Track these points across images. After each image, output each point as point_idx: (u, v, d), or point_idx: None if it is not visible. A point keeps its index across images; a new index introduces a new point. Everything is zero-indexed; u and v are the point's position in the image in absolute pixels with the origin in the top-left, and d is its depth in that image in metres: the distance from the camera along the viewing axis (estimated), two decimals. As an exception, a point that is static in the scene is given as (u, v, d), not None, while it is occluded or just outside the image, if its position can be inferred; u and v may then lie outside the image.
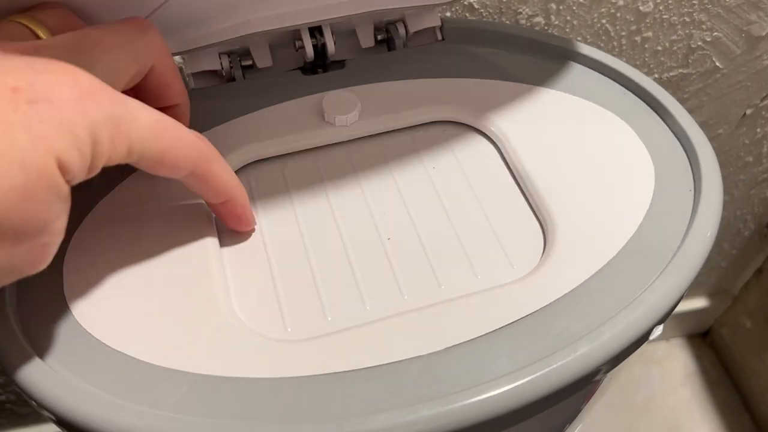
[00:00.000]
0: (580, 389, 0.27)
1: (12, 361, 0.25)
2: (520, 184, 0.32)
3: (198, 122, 0.34)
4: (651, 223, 0.30)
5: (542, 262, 0.29)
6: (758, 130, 0.62)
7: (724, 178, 0.66)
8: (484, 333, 0.26)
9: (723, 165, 0.65)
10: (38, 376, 0.24)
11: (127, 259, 0.29)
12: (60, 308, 0.27)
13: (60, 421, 0.24)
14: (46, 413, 0.25)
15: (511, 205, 0.31)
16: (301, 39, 0.36)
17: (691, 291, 0.87)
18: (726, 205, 0.71)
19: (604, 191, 0.31)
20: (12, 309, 0.27)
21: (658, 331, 0.29)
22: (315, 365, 0.25)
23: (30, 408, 0.70)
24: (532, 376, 0.24)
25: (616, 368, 0.29)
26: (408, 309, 0.27)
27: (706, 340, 0.94)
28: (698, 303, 0.89)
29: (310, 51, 0.36)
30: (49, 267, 0.28)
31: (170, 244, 0.29)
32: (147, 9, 0.31)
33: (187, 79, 0.36)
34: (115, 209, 0.30)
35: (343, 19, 0.35)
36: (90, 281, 0.28)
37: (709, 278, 0.85)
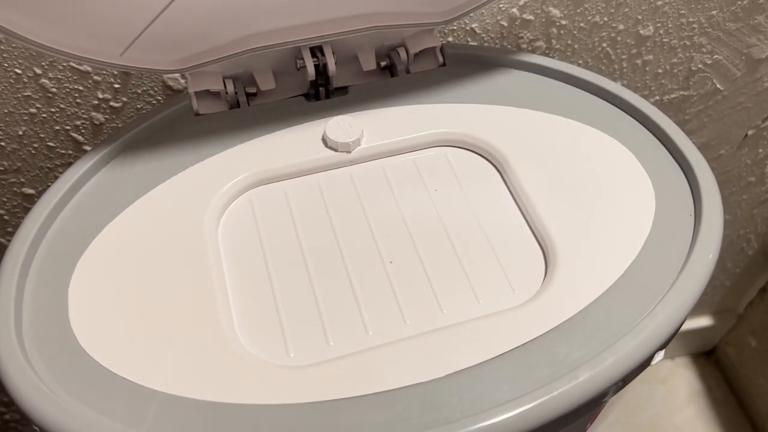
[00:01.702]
0: (583, 415, 0.27)
1: (15, 384, 0.25)
2: (522, 208, 0.32)
3: (205, 147, 0.34)
4: (652, 248, 0.30)
5: (544, 287, 0.29)
6: (760, 150, 0.62)
7: (727, 198, 0.67)
8: (485, 359, 0.26)
9: (725, 185, 0.65)
10: (40, 400, 0.25)
11: (131, 284, 0.29)
12: (63, 332, 0.27)
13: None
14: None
15: (513, 229, 0.32)
16: (302, 58, 0.36)
17: (695, 310, 0.87)
18: (729, 225, 0.71)
19: (605, 216, 0.31)
20: (16, 331, 0.27)
21: (660, 356, 0.29)
22: (317, 392, 0.26)
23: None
24: (534, 403, 0.25)
25: (617, 397, 0.29)
26: (410, 334, 0.28)
27: (711, 359, 0.94)
28: (703, 322, 0.89)
29: (311, 69, 0.36)
30: (54, 290, 0.29)
31: (174, 269, 0.29)
32: (144, 20, 0.32)
33: (192, 100, 0.36)
34: (121, 235, 0.31)
35: (342, 35, 0.36)
36: (94, 305, 0.28)
37: (714, 297, 0.84)
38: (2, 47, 0.37)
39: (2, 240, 0.49)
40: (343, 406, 0.25)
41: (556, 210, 0.32)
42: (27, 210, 0.47)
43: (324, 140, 0.35)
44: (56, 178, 0.45)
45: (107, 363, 0.27)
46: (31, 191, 0.46)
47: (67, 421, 0.24)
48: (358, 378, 0.26)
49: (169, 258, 0.30)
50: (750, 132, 0.60)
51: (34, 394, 0.25)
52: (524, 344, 0.27)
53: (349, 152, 0.34)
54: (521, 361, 0.26)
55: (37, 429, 0.25)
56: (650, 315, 0.28)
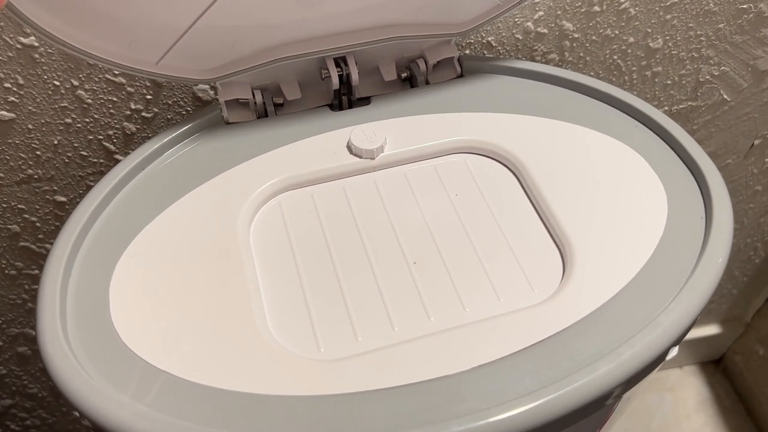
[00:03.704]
0: (601, 407, 0.28)
1: (63, 378, 0.26)
2: (539, 211, 0.34)
3: (235, 154, 0.36)
4: (665, 249, 0.31)
5: (562, 286, 0.30)
6: (766, 160, 0.63)
7: (734, 206, 0.68)
8: (508, 353, 0.28)
9: (732, 194, 0.66)
10: (89, 397, 0.26)
11: (169, 282, 0.31)
12: (104, 325, 0.29)
13: (97, 429, 0.26)
14: (85, 421, 0.26)
15: (531, 231, 0.33)
16: (327, 68, 0.38)
17: (703, 318, 0.88)
18: (736, 233, 0.72)
19: (620, 219, 0.33)
20: (62, 327, 0.28)
21: (674, 351, 0.30)
22: (348, 384, 0.27)
23: (53, 432, 0.71)
24: (556, 394, 0.26)
25: (631, 393, 0.30)
26: (434, 330, 0.29)
27: (719, 368, 0.95)
28: (711, 330, 0.89)
29: (335, 78, 0.38)
30: (96, 286, 0.30)
31: (209, 268, 0.31)
32: (179, 30, 0.34)
33: (222, 109, 0.38)
34: (159, 235, 0.32)
35: (365, 45, 0.38)
36: (133, 303, 0.30)
37: (721, 305, 0.85)
38: (43, 60, 0.39)
39: (33, 247, 0.50)
40: (373, 397, 0.26)
41: (573, 213, 0.33)
42: (59, 217, 0.48)
43: (349, 147, 0.36)
44: (88, 186, 0.47)
45: (146, 356, 0.28)
46: (63, 199, 0.47)
47: (106, 409, 0.25)
48: (387, 371, 0.27)
49: (204, 257, 0.31)
50: (756, 142, 0.61)
51: (79, 387, 0.26)
52: (544, 340, 0.28)
53: (373, 159, 0.36)
54: (542, 355, 0.28)
55: (87, 422, 0.26)
56: (665, 312, 0.29)
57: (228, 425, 0.26)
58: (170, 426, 0.25)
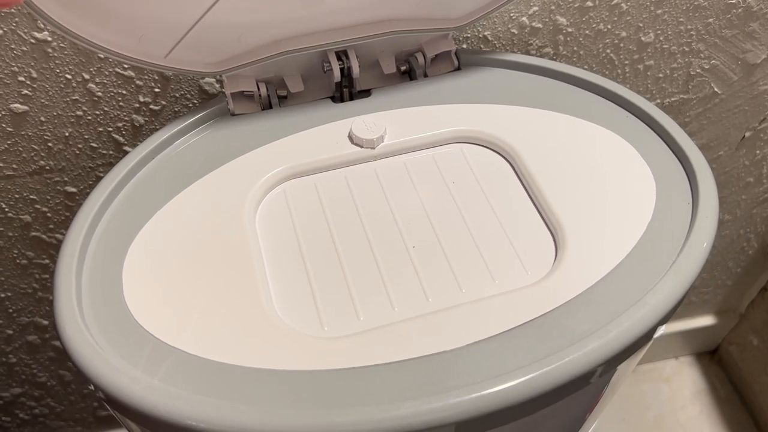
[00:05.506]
0: (588, 383, 0.29)
1: (80, 354, 0.28)
2: (533, 197, 0.35)
3: (241, 144, 0.37)
4: (653, 232, 0.33)
5: (554, 268, 0.32)
6: (757, 151, 0.65)
7: (726, 198, 0.69)
8: (502, 331, 0.29)
9: (725, 185, 0.67)
10: (104, 371, 0.27)
11: (179, 265, 0.32)
12: (120, 309, 0.30)
13: (110, 401, 0.27)
14: (99, 394, 0.27)
15: (525, 216, 0.34)
16: (329, 62, 0.39)
17: (698, 309, 0.89)
18: (729, 225, 0.73)
19: (610, 204, 0.34)
20: (78, 307, 0.30)
21: (661, 330, 0.31)
22: (349, 359, 0.28)
23: (61, 421, 0.72)
24: (547, 368, 0.27)
25: (620, 376, 0.31)
26: (432, 310, 0.30)
27: (714, 358, 0.96)
28: (706, 321, 0.90)
29: (337, 71, 0.39)
30: (110, 270, 0.32)
31: (217, 252, 0.32)
32: (186, 25, 0.35)
33: (228, 101, 0.39)
34: (168, 222, 0.34)
35: (365, 39, 0.39)
36: (146, 284, 0.31)
37: (716, 297, 0.86)
38: (55, 54, 0.41)
39: (44, 237, 0.51)
40: (374, 372, 0.27)
41: (565, 198, 0.34)
42: (69, 208, 0.50)
43: (350, 137, 0.38)
44: (97, 177, 0.48)
45: (158, 333, 0.29)
46: (74, 190, 0.49)
47: (122, 386, 0.27)
48: (387, 347, 0.28)
49: (212, 243, 0.33)
50: (747, 134, 0.62)
51: (96, 365, 0.27)
52: (536, 318, 0.29)
53: (373, 148, 0.37)
54: (534, 333, 0.29)
55: (101, 394, 0.28)
56: (651, 292, 0.30)
57: (235, 398, 0.27)
58: (180, 399, 0.26)
